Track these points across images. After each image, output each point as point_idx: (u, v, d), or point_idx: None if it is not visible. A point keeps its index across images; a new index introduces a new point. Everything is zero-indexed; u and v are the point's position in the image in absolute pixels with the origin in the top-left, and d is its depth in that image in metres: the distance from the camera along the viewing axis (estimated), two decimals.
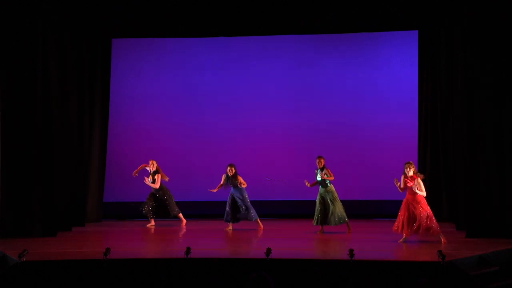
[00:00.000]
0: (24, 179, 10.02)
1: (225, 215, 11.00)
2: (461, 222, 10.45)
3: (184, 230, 11.31)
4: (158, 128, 13.14)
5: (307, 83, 13.06)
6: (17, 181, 10.00)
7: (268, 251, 7.40)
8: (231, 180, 10.85)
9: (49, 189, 10.26)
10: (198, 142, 13.10)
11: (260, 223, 11.06)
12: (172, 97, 13.22)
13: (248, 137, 13.11)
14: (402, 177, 9.28)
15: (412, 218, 9.13)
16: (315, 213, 10.59)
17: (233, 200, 10.90)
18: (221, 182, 11.00)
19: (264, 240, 9.55)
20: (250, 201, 10.98)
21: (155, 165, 11.59)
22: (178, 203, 11.79)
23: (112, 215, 12.78)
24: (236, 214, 10.94)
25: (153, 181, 11.53)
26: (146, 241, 10.48)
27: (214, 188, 11.06)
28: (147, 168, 11.65)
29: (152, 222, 11.64)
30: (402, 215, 9.21)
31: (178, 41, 13.13)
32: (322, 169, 10.56)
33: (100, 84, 12.40)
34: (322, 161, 10.61)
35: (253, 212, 10.92)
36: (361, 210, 12.58)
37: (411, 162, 9.32)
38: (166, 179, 11.58)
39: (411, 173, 9.20)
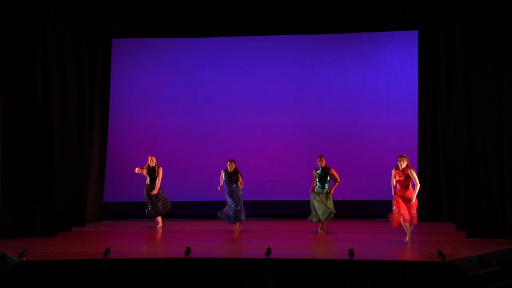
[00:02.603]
0: (24, 179, 10.03)
1: (230, 216, 10.73)
2: (461, 222, 10.45)
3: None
4: (158, 128, 13.14)
5: (307, 83, 13.05)
6: (17, 181, 10.01)
7: (268, 251, 7.40)
8: (233, 176, 10.75)
9: (49, 189, 10.26)
10: (198, 142, 13.09)
11: (238, 227, 10.84)
12: (172, 97, 13.21)
13: (248, 137, 13.10)
14: (394, 170, 9.27)
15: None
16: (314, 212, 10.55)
17: (232, 199, 10.71)
18: (222, 179, 10.80)
19: (264, 240, 9.55)
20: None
21: (155, 161, 11.52)
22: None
23: (112, 215, 12.78)
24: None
25: (154, 178, 11.45)
26: (146, 241, 10.47)
27: (219, 187, 10.86)
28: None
29: (160, 223, 11.54)
30: (399, 208, 9.20)
31: (178, 41, 13.13)
32: (328, 169, 10.53)
33: (100, 84, 12.40)
34: (323, 160, 10.59)
35: (243, 214, 10.76)
36: (361, 210, 12.59)
37: (404, 155, 9.32)
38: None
39: (403, 165, 9.20)
